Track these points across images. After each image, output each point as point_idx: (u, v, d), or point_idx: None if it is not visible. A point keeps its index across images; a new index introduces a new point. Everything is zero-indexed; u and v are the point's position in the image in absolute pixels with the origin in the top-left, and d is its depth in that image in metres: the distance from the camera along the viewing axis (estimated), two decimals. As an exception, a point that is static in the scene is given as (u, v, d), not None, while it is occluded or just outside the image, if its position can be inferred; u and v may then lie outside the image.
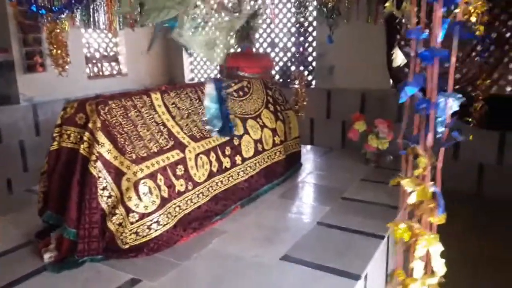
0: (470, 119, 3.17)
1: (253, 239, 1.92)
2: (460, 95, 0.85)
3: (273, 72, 5.26)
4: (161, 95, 2.10)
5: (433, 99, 0.84)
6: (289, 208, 2.32)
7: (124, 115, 1.88)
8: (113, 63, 5.54)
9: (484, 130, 4.07)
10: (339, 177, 2.83)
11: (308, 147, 3.82)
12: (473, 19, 1.46)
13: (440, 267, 0.79)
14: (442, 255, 0.83)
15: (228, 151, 2.32)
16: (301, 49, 4.40)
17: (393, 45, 4.40)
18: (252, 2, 3.24)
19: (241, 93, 2.70)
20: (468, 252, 3.08)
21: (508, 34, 3.89)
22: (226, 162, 2.30)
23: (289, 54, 5.35)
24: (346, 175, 2.84)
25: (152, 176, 1.80)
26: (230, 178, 2.31)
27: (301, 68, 4.56)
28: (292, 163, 2.93)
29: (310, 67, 5.10)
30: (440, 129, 0.85)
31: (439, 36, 0.84)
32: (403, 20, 3.00)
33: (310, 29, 4.97)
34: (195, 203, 2.02)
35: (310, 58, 5.10)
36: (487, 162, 4.14)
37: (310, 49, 5.07)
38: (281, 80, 5.27)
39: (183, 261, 1.73)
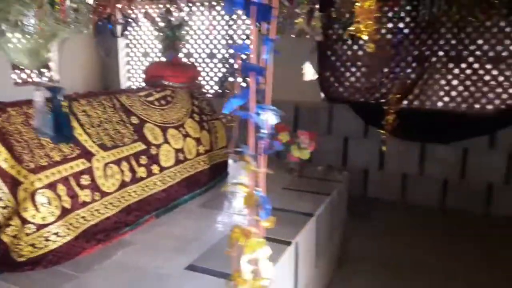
0: (383, 131, 3.35)
1: (161, 249, 1.90)
2: (278, 111, 0.91)
3: (211, 83, 5.29)
4: (69, 102, 2.04)
5: (252, 111, 0.89)
6: (206, 217, 2.33)
7: (25, 123, 1.81)
8: (44, 70, 5.31)
9: (408, 142, 4.34)
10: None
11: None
12: (365, 37, 1.56)
13: (268, 270, 0.82)
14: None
15: (144, 160, 2.29)
16: (236, 61, 4.45)
17: (325, 59, 4.59)
18: (178, 13, 3.25)
19: (163, 102, 2.68)
20: (387, 256, 3.23)
21: (427, 53, 4.19)
22: (141, 172, 2.26)
23: (227, 66, 5.40)
24: (269, 185, 2.90)
25: (51, 186, 1.74)
26: (146, 188, 2.28)
27: (237, 79, 4.61)
28: (218, 173, 2.94)
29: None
30: (264, 139, 0.90)
31: (261, 52, 0.89)
32: (316, 37, 3.16)
33: (248, 41, 5.07)
34: (103, 214, 1.97)
35: (247, 70, 5.17)
36: (410, 171, 4.38)
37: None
38: (219, 91, 5.30)
39: (83, 273, 1.68)
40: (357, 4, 1.51)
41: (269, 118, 0.89)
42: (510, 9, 3.74)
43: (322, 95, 4.67)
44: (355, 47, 4.44)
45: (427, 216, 4.06)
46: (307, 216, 2.35)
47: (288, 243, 1.97)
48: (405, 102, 4.26)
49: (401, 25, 4.21)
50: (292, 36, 2.81)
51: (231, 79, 5.05)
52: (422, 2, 3.95)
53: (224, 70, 5.40)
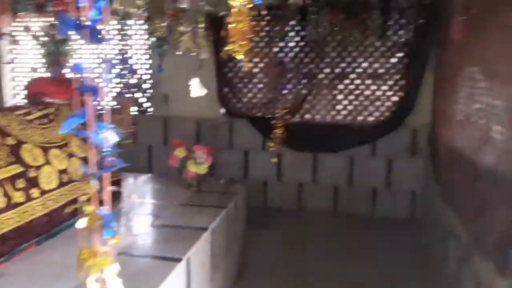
0: (272, 144, 3.55)
1: (38, 278, 1.78)
2: (118, 129, 0.94)
3: (108, 98, 5.08)
4: None
5: (91, 130, 0.91)
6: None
7: None
8: None
9: (302, 153, 4.64)
10: (158, 204, 2.86)
11: (140, 174, 3.76)
12: (240, 57, 1.66)
13: (116, 287, 0.84)
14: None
15: (21, 184, 2.12)
16: (132, 76, 4.37)
17: (223, 75, 4.72)
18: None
19: (45, 120, 2.52)
20: (285, 263, 3.38)
21: (315, 70, 4.54)
22: (18, 197, 2.09)
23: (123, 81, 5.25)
24: (165, 202, 2.88)
25: None
26: (24, 214, 2.11)
27: (131, 95, 4.52)
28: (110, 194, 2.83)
29: (148, 95, 5.09)
30: (106, 157, 0.93)
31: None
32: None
33: (147, 57, 4.99)
34: (-31, 246, 1.78)
35: (147, 86, 5.09)
36: (305, 180, 4.66)
37: (147, 77, 5.07)
38: (115, 107, 5.12)
39: None
40: (231, 25, 1.60)
41: (109, 136, 0.90)
42: (383, 31, 4.23)
43: (222, 110, 4.78)
44: (251, 64, 4.64)
45: (321, 221, 4.35)
46: (201, 231, 2.37)
47: (179, 260, 1.97)
48: (297, 115, 4.57)
49: (291, 44, 4.52)
50: (179, 53, 2.84)
51: (126, 95, 4.92)
52: (309, 23, 4.28)
53: (120, 85, 5.24)
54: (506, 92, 1.93)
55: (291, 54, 4.55)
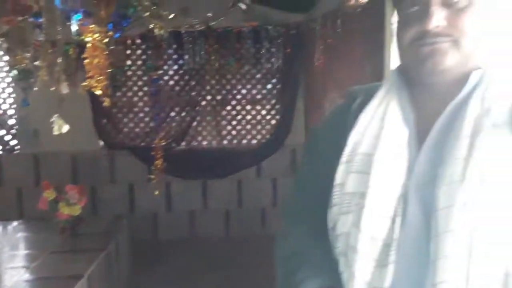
0: (153, 176, 3.47)
1: None
2: None
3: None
4: None
5: None
6: None
7: None
8: None
9: (191, 181, 4.60)
10: (28, 254, 2.57)
11: (9, 221, 3.33)
12: (99, 92, 1.60)
13: None
14: None
15: None
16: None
17: (99, 106, 4.48)
18: None
19: None
20: None
21: (198, 98, 4.59)
22: None
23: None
24: (35, 251, 2.59)
25: None
26: None
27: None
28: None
29: (14, 131, 4.60)
30: None
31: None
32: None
33: (10, 90, 4.53)
34: None
35: (12, 121, 4.60)
36: (196, 208, 4.62)
37: (11, 112, 4.59)
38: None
39: None
40: (86, 60, 1.54)
41: None
42: (257, 59, 4.46)
43: (101, 142, 4.52)
44: (130, 93, 4.51)
45: (215, 249, 4.32)
46: (75, 280, 2.18)
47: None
48: (183, 143, 4.54)
49: (171, 72, 4.51)
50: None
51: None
52: (186, 51, 4.33)
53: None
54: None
55: (171, 82, 4.54)
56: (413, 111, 1.05)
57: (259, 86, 4.62)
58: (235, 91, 4.62)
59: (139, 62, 4.43)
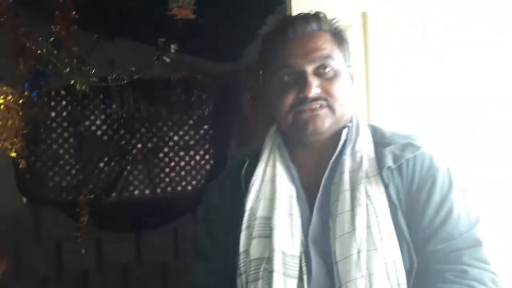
0: (79, 233, 3.31)
1: None
2: None
3: None
4: None
5: None
6: None
7: None
8: None
9: (124, 234, 4.40)
10: None
11: None
12: (13, 154, 1.53)
13: None
14: None
15: None
16: None
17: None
18: None
19: None
20: None
21: (128, 146, 4.50)
22: None
23: None
24: None
25: None
26: None
27: None
28: None
29: None
30: None
31: None
32: None
33: None
34: None
35: None
36: (130, 262, 4.39)
37: None
38: None
39: None
40: (-1, 123, 1.48)
41: None
42: (187, 106, 4.51)
43: (24, 199, 4.23)
44: (55, 146, 4.32)
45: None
46: None
47: None
48: (113, 194, 4.37)
49: (98, 122, 4.40)
50: None
51: None
52: (113, 100, 4.27)
53: None
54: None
55: (99, 132, 4.42)
56: (296, 169, 1.15)
57: (191, 133, 4.64)
58: (167, 138, 4.60)
59: (64, 113, 4.29)
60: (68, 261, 4.26)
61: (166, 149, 4.60)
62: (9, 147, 1.44)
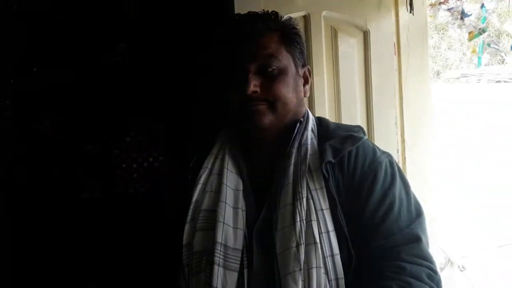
0: None
1: None
2: None
3: None
4: None
5: None
6: None
7: None
8: None
9: None
10: None
11: None
12: None
13: None
14: None
15: None
16: None
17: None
18: None
19: None
20: None
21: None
22: None
23: None
24: None
25: None
26: None
27: None
28: None
29: None
30: None
31: None
32: None
33: None
34: None
35: None
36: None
37: None
38: None
39: None
40: None
41: None
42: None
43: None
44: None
45: None
46: None
47: None
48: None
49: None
50: None
51: None
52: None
53: None
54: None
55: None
56: (246, 164, 1.18)
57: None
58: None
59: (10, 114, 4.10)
60: None
61: (117, 151, 4.51)
62: None
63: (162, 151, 4.59)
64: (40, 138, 4.22)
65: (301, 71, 1.23)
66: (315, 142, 1.18)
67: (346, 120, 1.76)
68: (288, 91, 1.17)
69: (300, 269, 1.03)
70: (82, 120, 4.30)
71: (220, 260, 1.07)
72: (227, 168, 1.14)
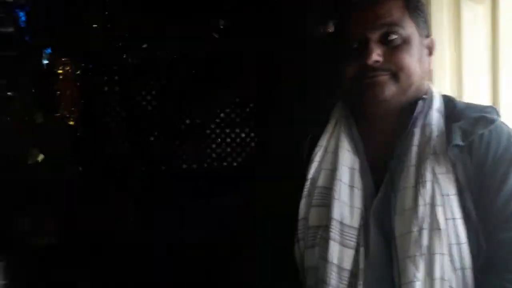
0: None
1: None
2: None
3: None
4: None
5: None
6: None
7: None
8: None
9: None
10: None
11: None
12: (71, 123, 1.59)
13: None
14: None
15: None
16: None
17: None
18: None
19: None
20: None
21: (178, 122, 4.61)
22: None
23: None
24: None
25: None
26: None
27: None
28: None
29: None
30: None
31: None
32: None
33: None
34: None
35: None
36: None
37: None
38: None
39: None
40: (58, 92, 1.53)
41: None
42: (234, 83, 4.51)
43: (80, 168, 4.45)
44: (107, 119, 4.49)
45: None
46: None
47: None
48: (163, 167, 4.51)
49: (148, 97, 4.52)
50: None
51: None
52: (163, 77, 4.35)
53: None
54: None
55: (149, 107, 4.55)
56: (362, 141, 1.11)
57: (237, 110, 4.67)
58: (213, 115, 4.66)
59: (117, 88, 4.44)
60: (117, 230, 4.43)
61: (212, 126, 4.67)
62: (67, 115, 1.51)
63: (253, 128, 4.67)
64: (142, 112, 4.50)
65: (425, 42, 1.10)
66: (442, 123, 1.05)
67: (469, 98, 1.57)
68: (412, 61, 1.06)
69: (422, 254, 0.96)
70: (180, 95, 4.49)
71: (336, 236, 1.04)
72: (342, 146, 1.07)
